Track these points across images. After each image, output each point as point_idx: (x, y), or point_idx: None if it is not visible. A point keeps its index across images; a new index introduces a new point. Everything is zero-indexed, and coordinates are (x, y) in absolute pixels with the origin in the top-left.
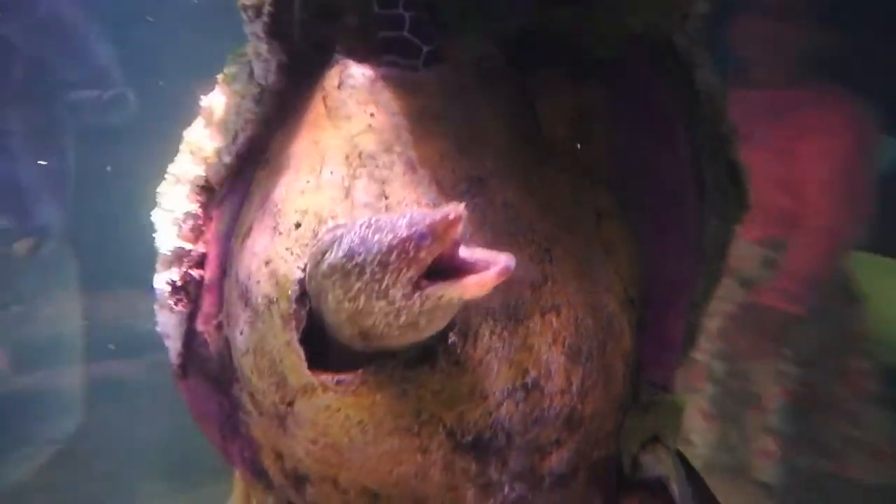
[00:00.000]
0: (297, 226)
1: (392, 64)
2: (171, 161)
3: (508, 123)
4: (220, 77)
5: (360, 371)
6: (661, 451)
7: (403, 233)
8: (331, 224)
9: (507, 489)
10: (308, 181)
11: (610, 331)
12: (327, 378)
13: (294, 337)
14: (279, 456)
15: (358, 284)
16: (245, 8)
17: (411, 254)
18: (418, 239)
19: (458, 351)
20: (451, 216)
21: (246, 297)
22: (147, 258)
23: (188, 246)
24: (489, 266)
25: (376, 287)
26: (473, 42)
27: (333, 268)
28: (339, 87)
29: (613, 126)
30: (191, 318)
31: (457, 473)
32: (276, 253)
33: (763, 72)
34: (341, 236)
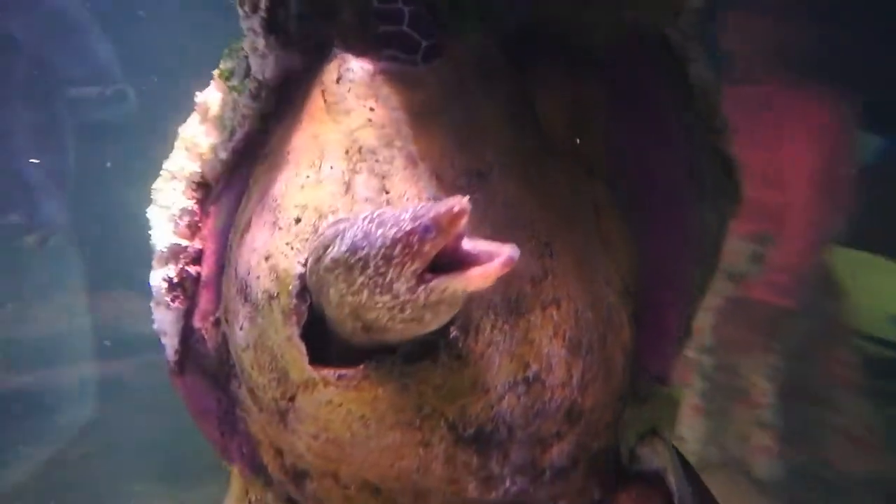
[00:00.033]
0: (298, 221)
1: (391, 58)
2: (167, 158)
3: (507, 118)
4: (215, 73)
5: (361, 366)
6: (659, 443)
7: (407, 226)
8: (331, 219)
9: (508, 482)
10: (308, 176)
11: (610, 323)
12: (329, 373)
13: (295, 332)
14: (279, 452)
15: (361, 279)
16: (242, 3)
17: (415, 247)
18: (422, 232)
19: (460, 345)
20: (456, 209)
21: (245, 293)
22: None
23: (184, 242)
24: (493, 257)
25: (380, 281)
26: (472, 38)
27: (336, 262)
28: (337, 81)
29: (610, 121)
30: (188, 314)
31: (458, 467)
32: (277, 248)
33: (747, 67)
34: (344, 230)
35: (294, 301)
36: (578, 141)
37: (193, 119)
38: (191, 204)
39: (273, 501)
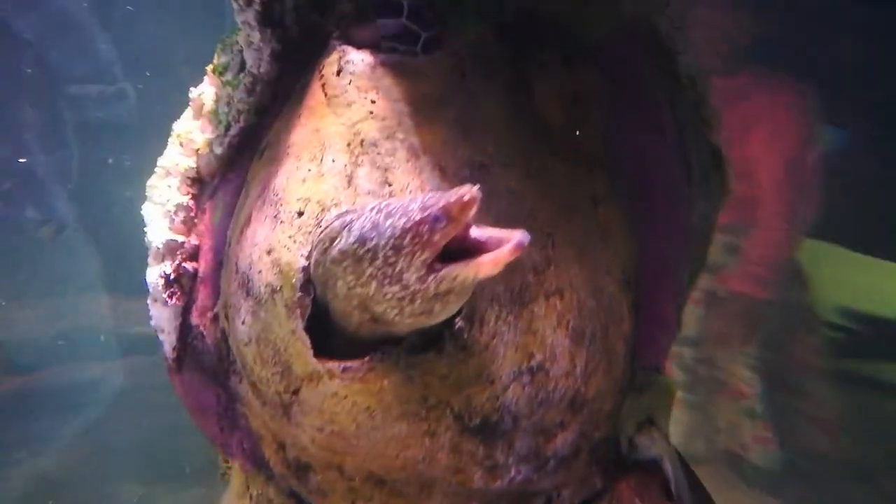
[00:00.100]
0: (300, 214)
1: (391, 50)
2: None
3: (507, 109)
4: (209, 68)
5: (366, 358)
6: (655, 432)
7: (417, 216)
8: (334, 212)
9: (513, 471)
10: (309, 169)
11: (611, 313)
12: (334, 365)
13: (299, 325)
14: (281, 446)
15: (370, 270)
16: None
17: (425, 237)
18: (432, 221)
19: (465, 336)
20: (466, 197)
21: (247, 287)
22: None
23: (181, 238)
24: (501, 243)
25: (389, 271)
26: (471, 30)
27: (344, 254)
28: (338, 73)
29: (606, 111)
30: (185, 311)
31: (464, 456)
32: (279, 241)
33: (709, 60)
34: (351, 222)
35: (298, 294)
36: (577, 133)
37: (187, 114)
38: (186, 200)
39: (275, 495)
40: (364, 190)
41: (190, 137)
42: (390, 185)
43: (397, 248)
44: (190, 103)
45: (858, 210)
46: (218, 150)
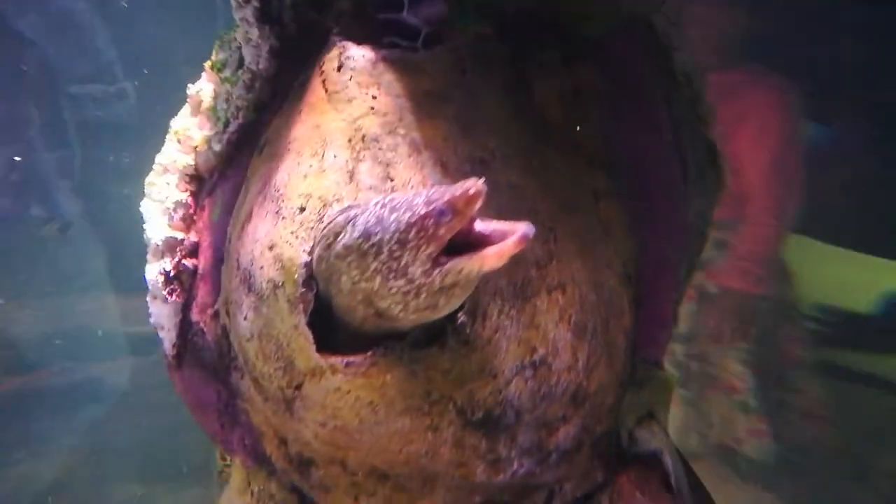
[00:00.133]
0: (302, 210)
1: (392, 45)
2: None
3: (507, 105)
4: (207, 64)
5: (369, 353)
6: (655, 426)
7: (422, 210)
8: (336, 207)
9: (515, 465)
10: (311, 165)
11: (612, 308)
12: (337, 360)
13: (302, 320)
14: (282, 441)
15: (375, 264)
16: None
17: (431, 230)
18: (438, 215)
19: (468, 330)
20: (472, 191)
21: (249, 283)
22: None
23: (180, 235)
24: (506, 236)
25: (394, 266)
26: (471, 26)
27: (349, 248)
28: (339, 69)
29: (606, 111)
30: (185, 308)
31: (466, 450)
32: (281, 237)
33: (703, 57)
34: (355, 217)
35: (300, 289)
36: (578, 129)
37: (185, 111)
38: (185, 196)
39: (277, 491)
40: (366, 185)
41: (188, 134)
42: (392, 180)
43: (402, 243)
44: (188, 100)
45: (838, 205)
46: (216, 147)
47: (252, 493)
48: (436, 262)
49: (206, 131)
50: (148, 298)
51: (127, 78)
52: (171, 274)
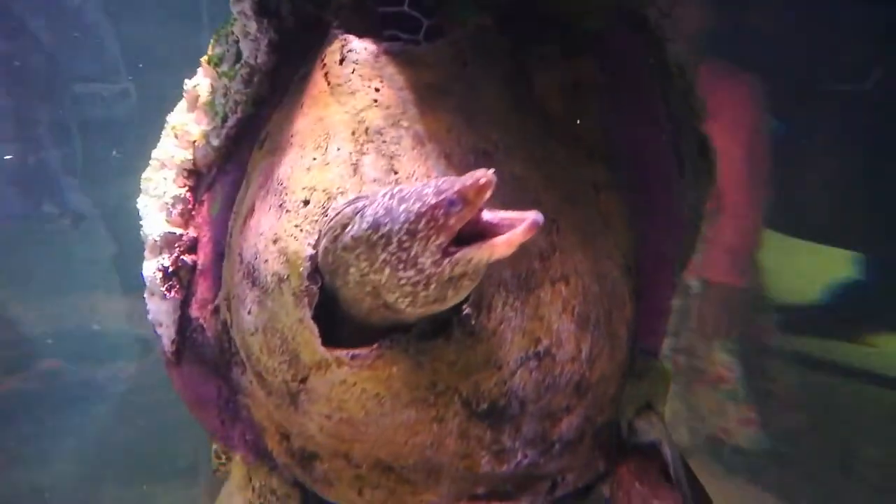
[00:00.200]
0: (306, 203)
1: (393, 38)
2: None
3: (508, 97)
4: (203, 59)
5: (375, 345)
6: (654, 416)
7: (431, 200)
8: (341, 200)
9: (519, 455)
10: (314, 158)
11: (614, 299)
12: (342, 353)
13: (307, 313)
14: (284, 436)
15: (384, 255)
16: None
17: (440, 220)
18: (448, 205)
19: (473, 322)
20: (482, 181)
21: (253, 277)
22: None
23: (178, 231)
24: (515, 225)
25: (404, 256)
26: (471, 19)
27: (357, 240)
28: (341, 62)
29: (606, 104)
30: (184, 304)
31: (471, 441)
32: (285, 231)
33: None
34: (363, 208)
35: (305, 283)
36: (578, 122)
37: (181, 106)
38: (183, 192)
39: (278, 486)
40: (370, 178)
41: (185, 129)
42: (396, 172)
43: (412, 233)
44: (184, 95)
45: (793, 197)
46: (215, 142)
47: (253, 489)
48: (445, 252)
49: (204, 126)
50: (146, 295)
51: (128, 77)
52: (170, 270)
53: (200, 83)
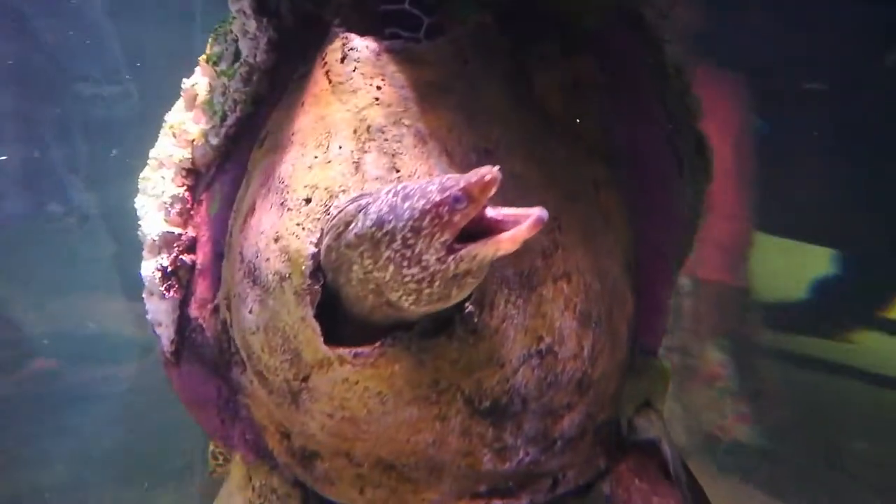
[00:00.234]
0: (308, 201)
1: (394, 36)
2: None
3: (508, 96)
4: (201, 58)
5: (378, 343)
6: (653, 414)
7: (436, 197)
8: (343, 198)
9: (521, 453)
10: (316, 156)
11: (615, 296)
12: (345, 352)
13: (309, 312)
14: (285, 435)
15: (388, 252)
16: None
17: (445, 217)
18: (453, 202)
19: (475, 320)
20: (488, 177)
21: (254, 276)
22: None
23: (177, 230)
24: (519, 221)
25: (408, 253)
26: (471, 18)
27: (361, 237)
28: (342, 60)
29: (605, 103)
30: (183, 304)
31: (473, 439)
32: (286, 229)
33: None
34: (367, 205)
35: (307, 281)
36: (578, 121)
37: (179, 105)
38: (181, 191)
39: (279, 485)
40: (372, 176)
41: (183, 128)
42: (398, 170)
43: (416, 230)
44: (182, 94)
45: (773, 195)
46: (214, 141)
47: (253, 489)
48: (450, 249)
49: (203, 125)
50: (144, 295)
51: (129, 77)
52: (169, 270)
53: (198, 82)
